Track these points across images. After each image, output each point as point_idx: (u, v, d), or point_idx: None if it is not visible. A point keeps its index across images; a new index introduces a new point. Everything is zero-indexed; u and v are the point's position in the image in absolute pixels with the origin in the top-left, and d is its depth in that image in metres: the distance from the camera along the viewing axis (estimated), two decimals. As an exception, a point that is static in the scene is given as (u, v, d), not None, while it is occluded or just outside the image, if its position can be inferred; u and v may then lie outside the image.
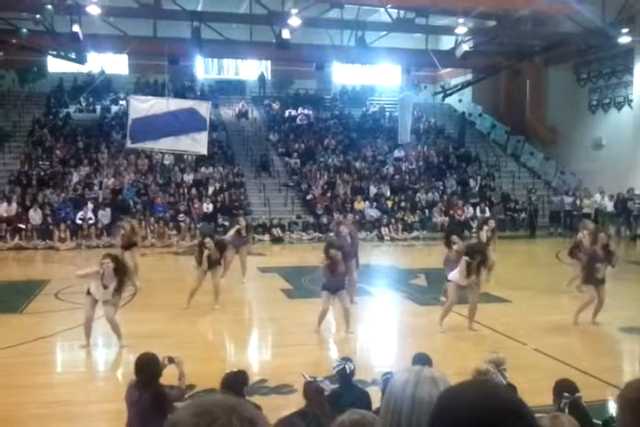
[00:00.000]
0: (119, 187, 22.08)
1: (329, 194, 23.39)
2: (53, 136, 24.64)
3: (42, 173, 22.35)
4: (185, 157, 23.57)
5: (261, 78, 30.71)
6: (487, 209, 23.06)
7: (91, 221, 20.18)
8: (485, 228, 13.38)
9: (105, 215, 20.55)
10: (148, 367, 5.02)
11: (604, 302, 9.78)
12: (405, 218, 22.60)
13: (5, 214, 19.90)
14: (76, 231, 19.80)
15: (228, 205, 21.87)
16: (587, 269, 9.98)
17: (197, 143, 18.01)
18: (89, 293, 8.64)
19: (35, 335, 9.10)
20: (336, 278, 9.51)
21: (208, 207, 21.79)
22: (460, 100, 30.80)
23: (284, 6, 20.44)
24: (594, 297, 9.76)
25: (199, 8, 24.11)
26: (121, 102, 27.26)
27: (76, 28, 19.24)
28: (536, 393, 4.99)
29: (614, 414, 1.90)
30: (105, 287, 8.51)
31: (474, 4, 21.11)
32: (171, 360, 5.21)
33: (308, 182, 24.04)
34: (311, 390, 4.55)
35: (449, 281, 9.66)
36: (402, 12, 22.77)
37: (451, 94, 27.81)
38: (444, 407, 1.35)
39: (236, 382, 4.81)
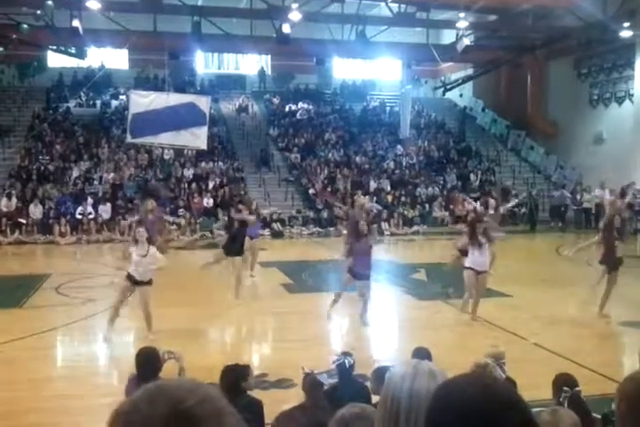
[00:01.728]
0: (119, 182, 22.10)
1: (329, 189, 23.39)
2: (53, 131, 24.63)
3: (42, 168, 22.35)
4: (185, 151, 23.56)
5: (261, 73, 30.66)
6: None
7: (91, 216, 20.22)
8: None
9: (105, 210, 20.58)
10: (148, 362, 5.02)
11: (611, 291, 9.81)
12: (405, 213, 22.61)
13: (6, 209, 19.92)
14: (77, 226, 19.85)
15: (229, 200, 21.86)
16: (607, 247, 9.94)
17: (197, 138, 17.97)
18: (129, 277, 8.86)
19: (35, 330, 9.11)
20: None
21: (208, 202, 21.80)
22: (460, 95, 30.75)
23: (284, 1, 20.41)
24: (602, 278, 9.84)
25: (199, 2, 24.09)
26: (121, 97, 27.22)
27: (75, 22, 19.22)
28: (535, 387, 5.00)
29: (614, 409, 1.89)
30: (143, 256, 8.78)
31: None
32: (171, 355, 5.21)
33: (308, 177, 24.03)
34: (308, 382, 4.55)
35: (466, 268, 9.57)
36: (402, 6, 22.70)
37: (451, 89, 27.76)
38: (441, 400, 1.34)
39: (234, 376, 4.76)
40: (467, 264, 9.61)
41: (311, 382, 4.53)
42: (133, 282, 8.86)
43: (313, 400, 4.43)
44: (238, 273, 11.27)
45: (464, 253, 10.44)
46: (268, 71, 31.21)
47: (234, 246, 11.28)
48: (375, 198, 23.14)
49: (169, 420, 1.01)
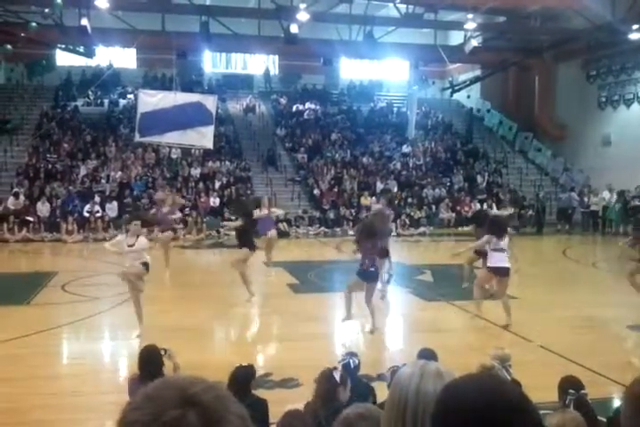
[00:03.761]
0: (126, 180, 22.16)
1: (335, 189, 23.39)
2: (61, 129, 24.71)
3: (49, 166, 22.44)
4: (192, 151, 23.59)
5: (267, 73, 30.67)
6: (494, 205, 23.00)
7: (98, 214, 20.29)
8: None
9: (112, 208, 20.65)
10: (151, 360, 5.05)
11: None
12: (412, 214, 22.57)
13: (13, 207, 20.00)
14: (84, 224, 19.92)
15: (235, 200, 21.90)
16: None
17: (203, 137, 17.98)
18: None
19: (41, 327, 9.14)
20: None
21: (215, 201, 21.83)
22: (468, 96, 30.70)
23: (292, 1, 20.42)
24: None
25: (208, 2, 24.12)
26: (129, 96, 27.30)
27: (84, 21, 19.27)
28: (541, 390, 4.98)
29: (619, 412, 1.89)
30: (130, 245, 8.83)
31: (483, 0, 21.02)
32: (161, 352, 5.23)
33: (314, 177, 24.04)
34: (320, 375, 4.58)
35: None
36: (410, 7, 22.69)
37: (459, 90, 27.72)
38: (448, 400, 1.34)
39: (245, 376, 4.86)
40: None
41: (322, 375, 4.55)
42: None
43: (323, 393, 4.43)
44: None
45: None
46: (276, 71, 31.23)
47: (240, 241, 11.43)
48: (381, 199, 23.12)
49: (178, 404, 1.05)
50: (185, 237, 19.78)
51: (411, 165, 25.80)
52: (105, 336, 9.26)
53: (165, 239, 14.40)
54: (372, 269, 9.21)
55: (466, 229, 20.21)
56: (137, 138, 18.80)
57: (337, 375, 4.48)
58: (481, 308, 9.78)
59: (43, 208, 20.15)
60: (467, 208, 23.16)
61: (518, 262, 13.03)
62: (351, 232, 21.44)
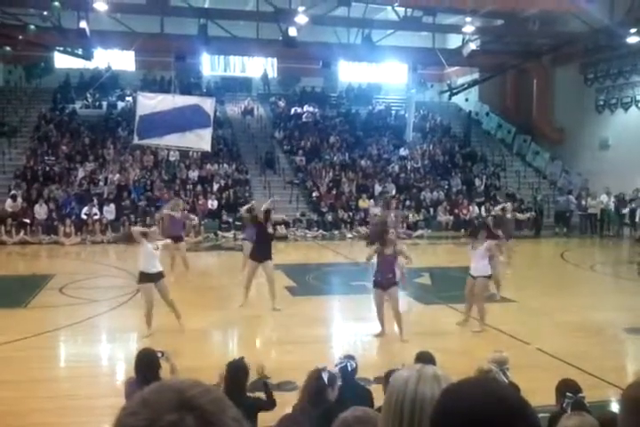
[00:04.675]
0: (124, 183, 22.14)
1: (334, 192, 23.40)
2: (59, 132, 24.69)
3: (47, 169, 22.41)
4: (190, 153, 23.57)
5: (264, 77, 30.67)
6: (492, 209, 23.03)
7: (96, 217, 20.26)
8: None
9: (109, 211, 20.63)
10: (149, 363, 5.05)
11: None
12: (410, 217, 22.58)
13: (11, 209, 19.97)
14: (81, 227, 19.88)
15: (233, 202, 21.90)
16: None
17: (201, 140, 17.96)
18: (145, 276, 8.99)
19: (39, 330, 9.12)
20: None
21: (213, 204, 21.82)
22: (466, 99, 30.73)
23: (291, 4, 20.42)
24: None
25: (206, 5, 24.13)
26: (127, 98, 27.27)
27: (83, 24, 19.25)
28: (538, 393, 4.98)
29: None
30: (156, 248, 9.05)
31: (481, 3, 21.05)
32: (158, 354, 5.24)
33: (313, 180, 24.04)
34: (309, 374, 4.57)
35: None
36: (409, 10, 22.72)
37: (457, 93, 27.73)
38: (446, 404, 1.34)
39: (241, 371, 4.88)
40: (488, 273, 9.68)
41: (313, 375, 4.53)
42: (149, 279, 8.97)
43: (310, 392, 4.42)
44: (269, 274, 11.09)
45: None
46: (274, 74, 31.24)
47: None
48: (380, 202, 23.14)
49: (174, 408, 1.04)
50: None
51: (409, 167, 25.81)
52: (102, 339, 9.25)
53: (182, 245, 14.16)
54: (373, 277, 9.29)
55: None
56: (135, 140, 18.78)
57: (325, 376, 4.46)
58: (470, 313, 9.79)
59: (40, 211, 20.13)
60: (465, 211, 23.18)
61: (511, 267, 13.10)
62: (349, 235, 21.56)
